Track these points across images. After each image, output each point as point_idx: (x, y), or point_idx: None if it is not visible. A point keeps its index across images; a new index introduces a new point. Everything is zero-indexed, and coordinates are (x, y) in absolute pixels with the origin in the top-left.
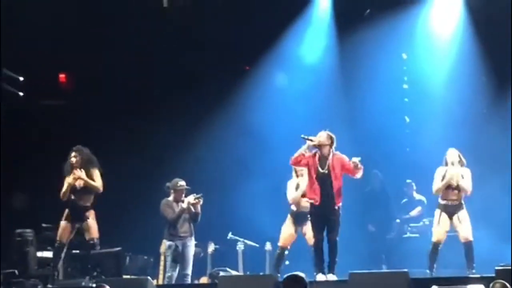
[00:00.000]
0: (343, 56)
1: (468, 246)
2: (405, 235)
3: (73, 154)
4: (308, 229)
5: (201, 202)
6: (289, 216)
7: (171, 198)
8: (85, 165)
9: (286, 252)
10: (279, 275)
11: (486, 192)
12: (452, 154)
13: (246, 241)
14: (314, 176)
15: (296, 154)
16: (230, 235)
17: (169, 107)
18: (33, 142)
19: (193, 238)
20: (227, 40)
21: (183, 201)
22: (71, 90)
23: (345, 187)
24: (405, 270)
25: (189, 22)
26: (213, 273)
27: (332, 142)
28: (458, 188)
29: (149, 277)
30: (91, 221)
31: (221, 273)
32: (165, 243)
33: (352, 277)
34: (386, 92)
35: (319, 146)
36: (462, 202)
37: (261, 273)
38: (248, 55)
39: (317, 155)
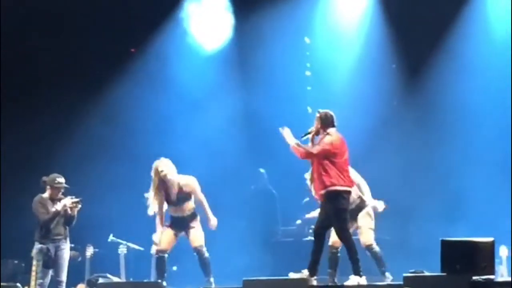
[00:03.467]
0: (239, 39)
1: (369, 249)
2: (306, 238)
3: None
4: (191, 230)
5: (79, 207)
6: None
7: (46, 195)
8: None
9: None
10: (165, 283)
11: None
12: None
13: (129, 244)
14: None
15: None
16: (111, 237)
17: (47, 97)
18: None
19: (68, 240)
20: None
21: (59, 200)
22: None
23: (230, 186)
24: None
25: None
26: (92, 280)
27: (319, 122)
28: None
29: (18, 284)
30: None
31: (101, 280)
32: (36, 246)
33: (245, 284)
34: (287, 79)
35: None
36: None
37: (145, 280)
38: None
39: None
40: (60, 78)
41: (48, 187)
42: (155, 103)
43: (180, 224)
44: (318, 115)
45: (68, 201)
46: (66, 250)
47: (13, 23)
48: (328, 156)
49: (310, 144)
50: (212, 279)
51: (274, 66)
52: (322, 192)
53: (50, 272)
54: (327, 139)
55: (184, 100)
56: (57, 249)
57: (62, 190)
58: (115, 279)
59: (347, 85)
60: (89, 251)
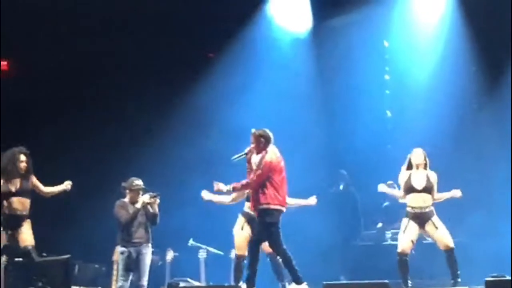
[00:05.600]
0: (318, 43)
1: (449, 253)
2: (386, 243)
3: (23, 158)
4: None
5: (157, 202)
6: (240, 216)
7: (126, 199)
8: (30, 171)
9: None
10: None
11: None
12: (417, 155)
13: (209, 248)
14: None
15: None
16: (191, 242)
17: (121, 100)
18: None
19: (150, 245)
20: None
21: None
22: (14, 80)
23: (308, 188)
24: (386, 281)
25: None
26: (172, 284)
27: (257, 141)
28: (425, 189)
29: None
30: (25, 227)
31: (181, 284)
32: (118, 250)
33: None
34: (365, 83)
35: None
36: (432, 208)
37: (225, 284)
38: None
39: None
40: (138, 83)
41: (127, 191)
42: (234, 104)
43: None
44: (256, 133)
45: (146, 197)
46: (148, 255)
47: (88, 26)
48: (267, 175)
49: (247, 164)
50: (286, 283)
51: (352, 69)
52: (258, 209)
53: (131, 276)
54: (266, 157)
55: (262, 106)
56: (139, 253)
57: (141, 193)
58: (195, 283)
59: (426, 89)
60: (170, 255)
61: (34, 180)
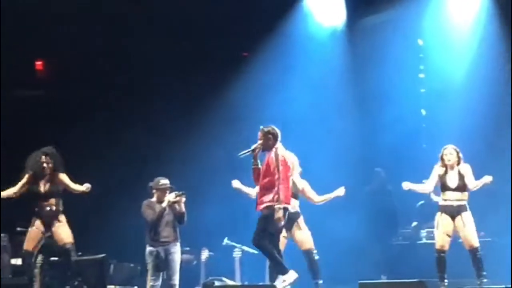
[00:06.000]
0: (352, 41)
1: (473, 253)
2: (420, 242)
3: (44, 158)
4: (297, 232)
5: (183, 200)
6: None
7: (154, 199)
8: (57, 170)
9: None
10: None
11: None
12: (449, 152)
13: (244, 247)
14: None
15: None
16: (226, 241)
17: (157, 99)
18: (4, 136)
19: (178, 243)
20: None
21: None
22: (49, 79)
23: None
24: (422, 280)
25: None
26: (208, 283)
27: (267, 138)
28: (458, 187)
29: (136, 287)
30: (61, 226)
31: (216, 283)
32: (146, 250)
33: (362, 287)
34: (400, 81)
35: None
36: (465, 203)
37: (260, 283)
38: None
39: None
40: (169, 83)
41: (154, 191)
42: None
43: (291, 223)
44: (265, 130)
45: (171, 196)
46: (177, 254)
47: (121, 26)
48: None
49: (253, 160)
50: (320, 282)
51: (387, 67)
52: (263, 206)
53: (162, 275)
54: (279, 154)
55: (297, 103)
56: (167, 252)
57: (168, 192)
58: (230, 283)
59: (461, 87)
60: (204, 254)
61: (62, 178)
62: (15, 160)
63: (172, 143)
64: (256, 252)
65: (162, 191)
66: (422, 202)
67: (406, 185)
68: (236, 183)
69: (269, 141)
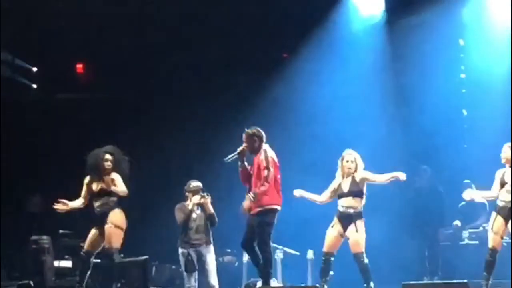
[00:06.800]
0: (392, 41)
1: None
2: (463, 242)
3: (108, 157)
4: (352, 234)
5: (208, 202)
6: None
7: (187, 202)
8: (116, 170)
9: (332, 259)
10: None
11: None
12: (505, 151)
13: (285, 248)
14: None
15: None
16: None
17: (197, 101)
18: (47, 140)
19: (210, 246)
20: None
21: (199, 204)
22: (89, 82)
23: (388, 185)
24: (465, 280)
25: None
26: (250, 285)
27: (254, 140)
28: None
29: None
30: (113, 228)
31: (258, 284)
32: (178, 251)
33: None
34: (441, 81)
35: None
36: None
37: (302, 285)
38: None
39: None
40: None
41: (186, 193)
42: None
43: (346, 222)
44: (250, 132)
45: (196, 198)
46: (209, 255)
47: (162, 27)
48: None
49: (240, 163)
50: (372, 285)
51: (428, 67)
52: (259, 209)
53: (195, 276)
54: (269, 155)
55: (340, 105)
56: (199, 254)
57: (201, 193)
58: (272, 284)
59: (502, 87)
60: (246, 256)
61: (115, 178)
62: (59, 162)
63: (221, 142)
64: (298, 253)
65: (194, 193)
66: (463, 202)
67: (469, 194)
68: (298, 192)
69: (255, 143)
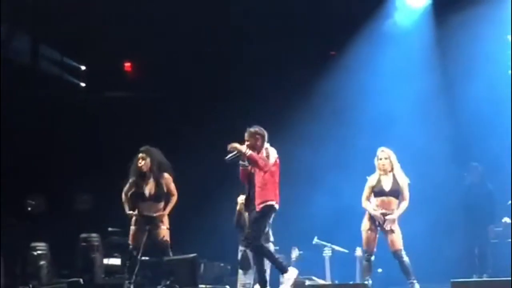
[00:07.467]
0: (439, 38)
1: None
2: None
3: (140, 156)
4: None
5: None
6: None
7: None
8: (155, 169)
9: (373, 258)
10: (370, 281)
11: None
12: None
13: (333, 246)
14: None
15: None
16: (315, 240)
17: (246, 99)
18: (95, 138)
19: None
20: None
21: None
22: (137, 81)
23: (438, 182)
24: (509, 278)
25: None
26: (298, 282)
27: (256, 139)
28: None
29: (227, 286)
30: (156, 228)
31: (307, 282)
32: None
33: (454, 286)
34: (489, 78)
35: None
36: None
37: (351, 282)
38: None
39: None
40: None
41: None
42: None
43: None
44: (252, 131)
45: (240, 197)
46: None
47: (210, 27)
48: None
49: (241, 162)
50: (414, 281)
51: (475, 63)
52: (261, 206)
53: (251, 273)
54: (271, 153)
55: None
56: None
57: None
58: (321, 282)
59: None
60: (295, 253)
61: (166, 177)
62: (108, 160)
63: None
64: (346, 251)
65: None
66: (509, 202)
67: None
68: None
69: (257, 141)
